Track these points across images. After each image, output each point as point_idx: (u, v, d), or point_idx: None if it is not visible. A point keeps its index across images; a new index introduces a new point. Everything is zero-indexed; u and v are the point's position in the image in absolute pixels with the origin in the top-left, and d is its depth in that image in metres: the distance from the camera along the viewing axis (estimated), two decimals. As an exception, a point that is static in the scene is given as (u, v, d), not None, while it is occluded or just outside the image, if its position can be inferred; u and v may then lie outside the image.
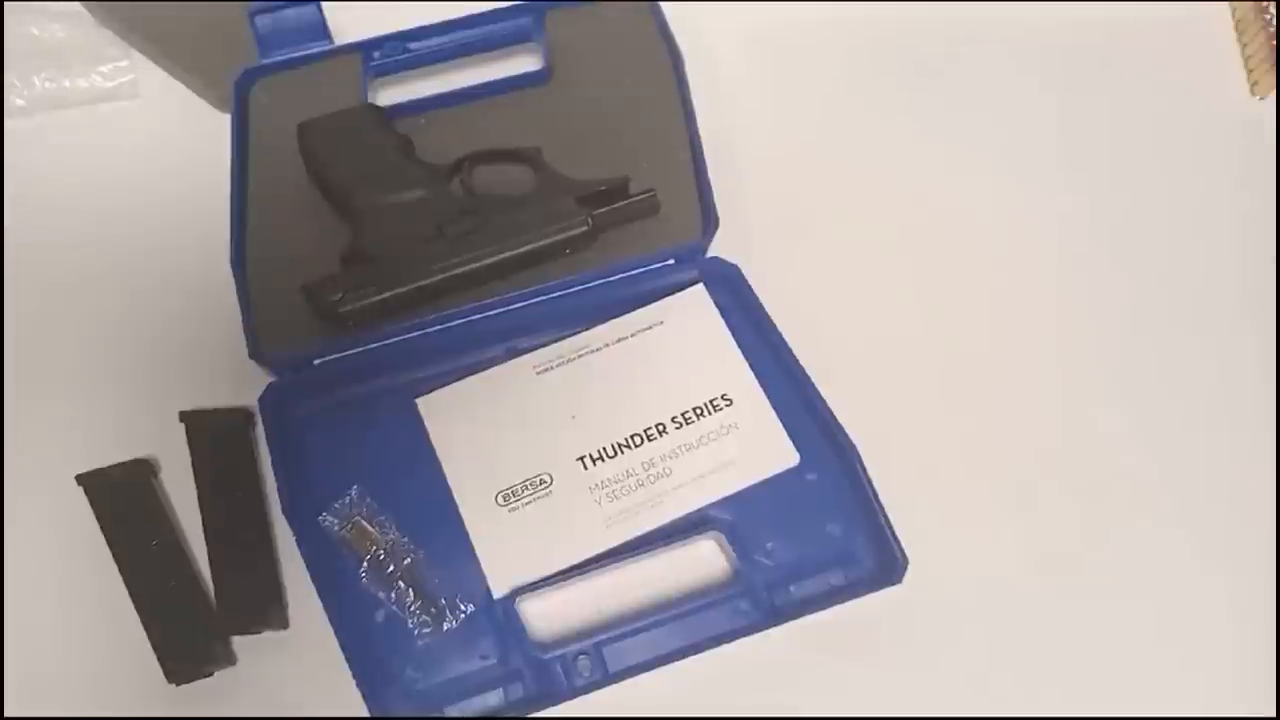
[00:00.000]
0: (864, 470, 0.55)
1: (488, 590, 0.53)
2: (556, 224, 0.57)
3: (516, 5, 0.64)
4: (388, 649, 0.52)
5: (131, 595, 0.53)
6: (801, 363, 0.57)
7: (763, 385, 0.57)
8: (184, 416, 0.56)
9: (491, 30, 0.64)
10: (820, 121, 0.67)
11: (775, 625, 0.52)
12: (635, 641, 0.53)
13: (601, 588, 0.54)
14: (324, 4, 0.61)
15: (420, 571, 0.53)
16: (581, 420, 0.56)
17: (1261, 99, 0.70)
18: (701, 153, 0.60)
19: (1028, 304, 0.63)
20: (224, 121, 0.61)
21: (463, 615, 0.53)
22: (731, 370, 0.58)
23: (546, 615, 0.54)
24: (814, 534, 0.55)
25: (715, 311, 0.59)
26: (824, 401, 0.56)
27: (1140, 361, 0.62)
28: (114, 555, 0.54)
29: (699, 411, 0.57)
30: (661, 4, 0.64)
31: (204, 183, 0.60)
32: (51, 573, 0.55)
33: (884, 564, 0.54)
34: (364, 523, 0.54)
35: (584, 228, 0.57)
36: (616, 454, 0.56)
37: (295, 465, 0.55)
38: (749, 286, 0.59)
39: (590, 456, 0.55)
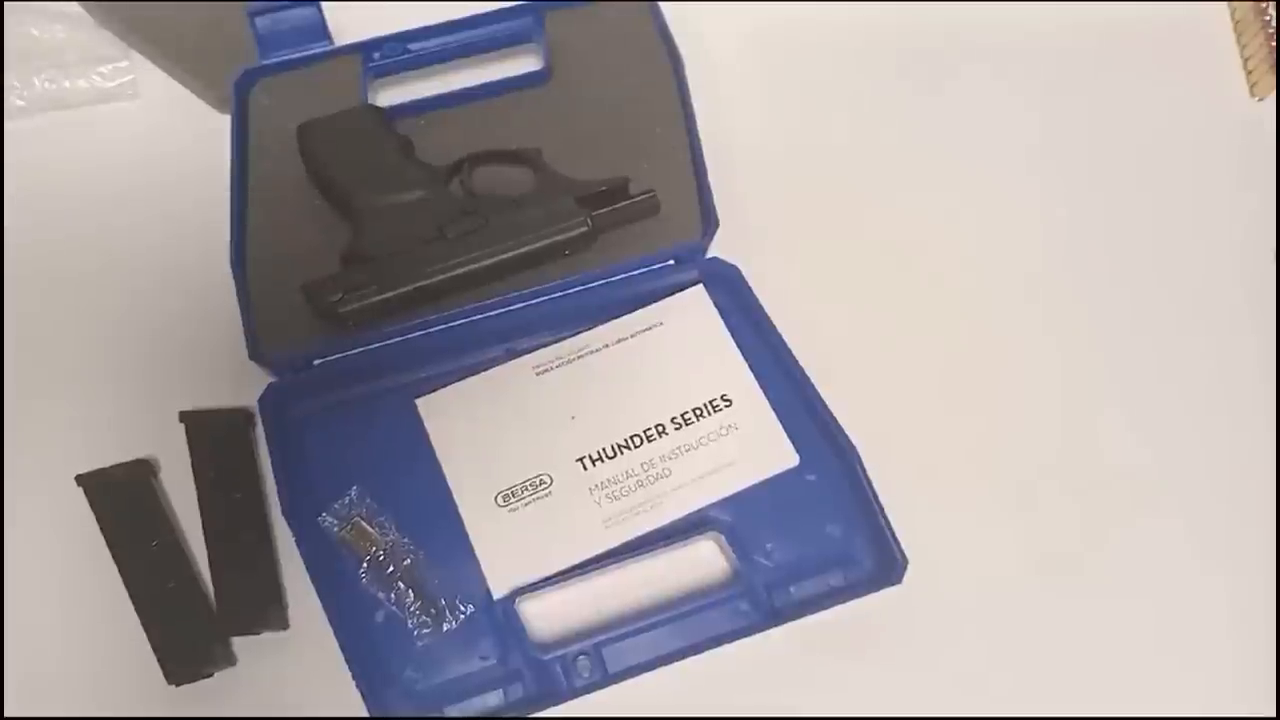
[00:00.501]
0: (864, 471, 0.55)
1: (487, 591, 0.53)
2: (556, 225, 0.57)
3: (516, 5, 0.64)
4: (387, 649, 0.52)
5: (131, 596, 0.53)
6: (801, 363, 0.57)
7: (762, 386, 0.57)
8: (184, 417, 0.56)
9: (491, 31, 0.64)
10: (820, 122, 0.67)
11: (775, 626, 0.52)
12: (635, 642, 0.53)
13: (601, 588, 0.54)
14: (324, 4, 0.61)
15: (420, 572, 0.53)
16: (581, 421, 0.56)
17: (1261, 100, 0.70)
18: (701, 153, 0.60)
19: (1027, 304, 0.63)
20: (224, 122, 0.61)
21: (462, 616, 0.53)
22: (731, 371, 0.58)
23: (546, 616, 0.54)
24: (814, 534, 0.55)
25: (715, 312, 0.59)
26: (824, 402, 0.56)
27: (1140, 362, 0.62)
28: (114, 555, 0.54)
29: (699, 412, 0.57)
30: (661, 4, 0.64)
31: (204, 183, 0.60)
32: (51, 573, 0.55)
33: (884, 564, 0.54)
34: (364, 523, 0.54)
35: (584, 228, 0.57)
36: (616, 454, 0.56)
37: (295, 465, 0.55)
38: (749, 287, 0.59)
39: (590, 457, 0.55)
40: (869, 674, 0.55)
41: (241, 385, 0.57)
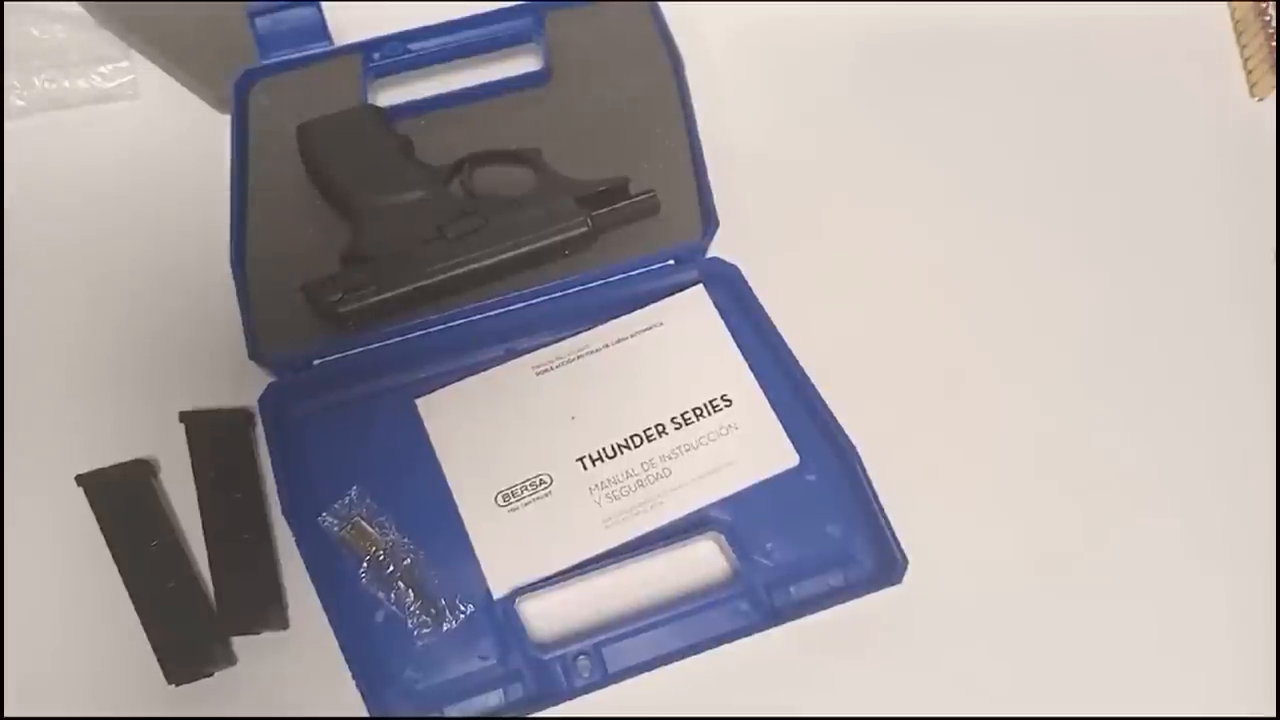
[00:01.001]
0: (864, 471, 0.55)
1: (487, 590, 0.53)
2: (556, 225, 0.57)
3: (516, 5, 0.64)
4: (387, 649, 0.52)
5: (131, 596, 0.53)
6: (801, 363, 0.57)
7: (762, 386, 0.57)
8: (184, 417, 0.56)
9: (491, 31, 0.64)
10: (820, 121, 0.67)
11: (775, 626, 0.52)
12: (635, 642, 0.53)
13: (601, 588, 0.54)
14: (324, 4, 0.61)
15: (420, 572, 0.53)
16: (581, 421, 0.56)
17: (1261, 100, 0.70)
18: (701, 153, 0.60)
19: (1027, 303, 0.63)
20: (224, 122, 0.61)
21: (462, 615, 0.53)
22: (731, 371, 0.58)
23: (546, 615, 0.54)
24: (813, 534, 0.55)
25: (715, 312, 0.59)
26: (823, 402, 0.56)
27: (1140, 362, 0.62)
28: (114, 555, 0.53)
29: (698, 412, 0.57)
30: (661, 4, 0.64)
31: (204, 183, 0.60)
32: (51, 573, 0.55)
33: (884, 564, 0.54)
34: (364, 523, 0.54)
35: (584, 228, 0.57)
36: (616, 454, 0.56)
37: (295, 465, 0.55)
38: (748, 287, 0.59)
39: (590, 457, 0.55)
40: (869, 674, 0.55)
41: (241, 385, 0.57)
